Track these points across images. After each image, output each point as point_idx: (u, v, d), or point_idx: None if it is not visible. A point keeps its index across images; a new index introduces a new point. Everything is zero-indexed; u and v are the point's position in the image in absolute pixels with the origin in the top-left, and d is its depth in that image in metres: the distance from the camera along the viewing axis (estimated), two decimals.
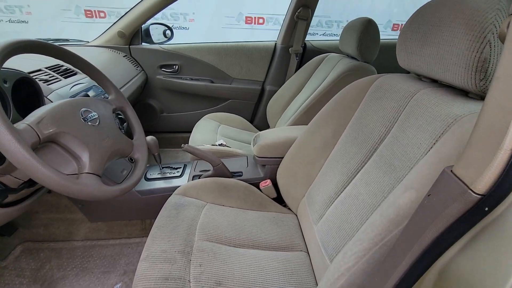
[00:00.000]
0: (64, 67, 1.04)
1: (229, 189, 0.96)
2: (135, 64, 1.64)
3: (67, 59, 0.69)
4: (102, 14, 4.14)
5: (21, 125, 0.51)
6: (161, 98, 1.83)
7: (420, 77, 0.67)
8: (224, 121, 1.64)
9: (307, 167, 0.89)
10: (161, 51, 1.69)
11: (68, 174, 0.56)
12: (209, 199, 0.91)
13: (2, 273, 1.02)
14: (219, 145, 1.37)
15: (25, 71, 0.88)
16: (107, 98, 0.81)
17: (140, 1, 1.50)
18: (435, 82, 0.63)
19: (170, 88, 1.78)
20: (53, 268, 1.05)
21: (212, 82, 1.80)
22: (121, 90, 1.35)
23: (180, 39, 3.93)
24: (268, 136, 1.09)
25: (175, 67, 1.73)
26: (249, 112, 1.87)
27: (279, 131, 1.14)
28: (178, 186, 0.95)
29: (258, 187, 1.03)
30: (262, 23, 4.01)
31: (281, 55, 1.67)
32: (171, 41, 1.82)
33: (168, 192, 0.97)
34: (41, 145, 0.54)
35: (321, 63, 1.48)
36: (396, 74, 0.73)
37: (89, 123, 0.64)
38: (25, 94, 0.78)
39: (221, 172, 1.06)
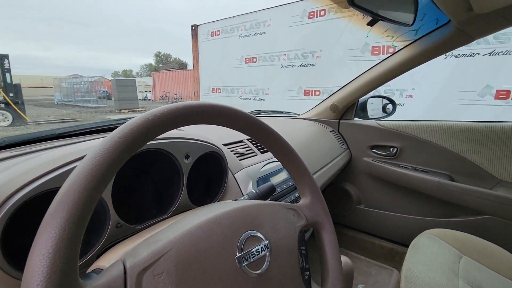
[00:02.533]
0: None
1: None
2: (341, 141, 1.35)
3: (259, 136, 0.42)
4: (317, 93, 4.65)
5: (108, 270, 0.23)
6: (362, 185, 1.39)
7: None
8: (471, 251, 0.90)
9: None
10: (377, 128, 1.30)
11: None
12: None
13: None
14: None
15: (224, 142, 0.76)
16: (296, 201, 0.48)
17: (360, 74, 1.25)
18: None
19: (378, 175, 1.31)
20: None
21: (452, 179, 1.13)
22: (321, 171, 1.06)
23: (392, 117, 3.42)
24: None
25: (392, 150, 1.26)
26: None
27: None
28: None
29: None
30: None
31: None
32: (389, 118, 1.41)
33: None
34: None
35: None
36: None
37: (245, 268, 0.30)
38: (211, 169, 0.62)
39: None
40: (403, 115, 3.53)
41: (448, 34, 0.92)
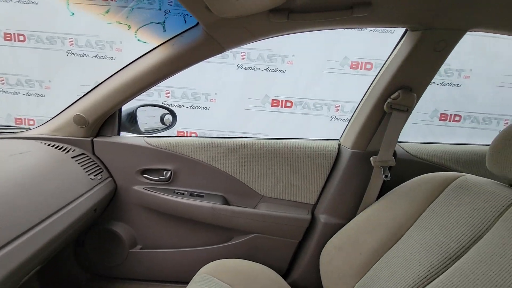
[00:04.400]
0: None
1: None
2: (95, 169, 0.94)
3: None
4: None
5: None
6: (136, 222, 1.07)
7: None
8: (242, 281, 0.83)
9: None
10: (145, 148, 1.01)
11: None
12: None
13: None
14: None
15: None
16: None
17: (112, 75, 0.91)
18: None
19: (152, 206, 1.03)
20: None
21: (227, 202, 1.04)
22: (43, 225, 0.62)
23: (199, 120, 3.33)
24: None
25: (166, 174, 1.03)
26: (286, 258, 1.04)
27: None
28: None
29: None
30: (290, 107, 3.58)
31: (352, 165, 0.94)
32: (160, 133, 1.19)
33: None
34: None
35: (443, 190, 0.73)
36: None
37: None
38: None
39: None
40: (210, 119, 3.68)
41: (199, 38, 0.76)
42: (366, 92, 0.92)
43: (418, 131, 2.96)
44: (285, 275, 1.05)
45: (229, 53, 3.63)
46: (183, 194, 1.02)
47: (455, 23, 0.70)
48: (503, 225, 0.58)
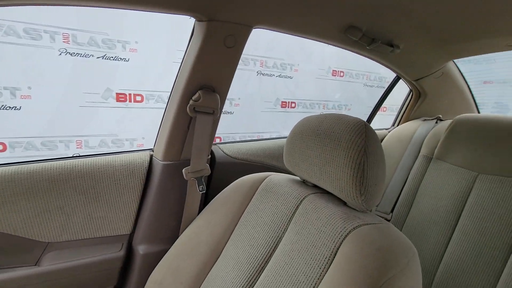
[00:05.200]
0: None
1: None
2: None
3: None
4: None
5: None
6: None
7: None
8: None
9: None
10: None
11: None
12: None
13: None
14: None
15: None
16: None
17: None
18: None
19: None
20: None
21: None
22: None
23: (6, 125, 2.45)
24: None
25: None
26: None
27: None
28: None
29: None
30: (141, 101, 3.14)
31: (166, 179, 0.78)
32: None
33: None
34: None
35: (253, 195, 0.70)
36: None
37: None
38: None
39: None
40: (24, 122, 2.69)
41: None
42: (170, 94, 0.77)
43: (266, 119, 3.30)
44: None
45: (43, 34, 2.76)
46: None
47: (238, 18, 0.64)
48: (293, 228, 0.58)
